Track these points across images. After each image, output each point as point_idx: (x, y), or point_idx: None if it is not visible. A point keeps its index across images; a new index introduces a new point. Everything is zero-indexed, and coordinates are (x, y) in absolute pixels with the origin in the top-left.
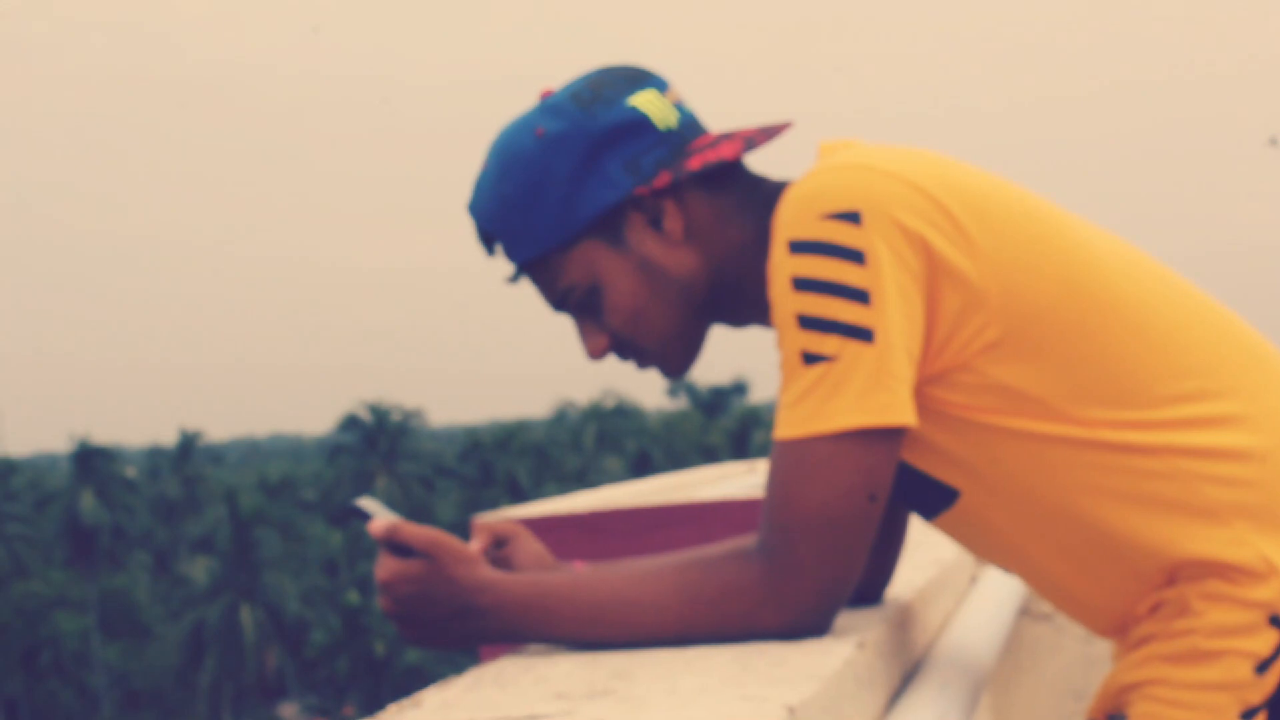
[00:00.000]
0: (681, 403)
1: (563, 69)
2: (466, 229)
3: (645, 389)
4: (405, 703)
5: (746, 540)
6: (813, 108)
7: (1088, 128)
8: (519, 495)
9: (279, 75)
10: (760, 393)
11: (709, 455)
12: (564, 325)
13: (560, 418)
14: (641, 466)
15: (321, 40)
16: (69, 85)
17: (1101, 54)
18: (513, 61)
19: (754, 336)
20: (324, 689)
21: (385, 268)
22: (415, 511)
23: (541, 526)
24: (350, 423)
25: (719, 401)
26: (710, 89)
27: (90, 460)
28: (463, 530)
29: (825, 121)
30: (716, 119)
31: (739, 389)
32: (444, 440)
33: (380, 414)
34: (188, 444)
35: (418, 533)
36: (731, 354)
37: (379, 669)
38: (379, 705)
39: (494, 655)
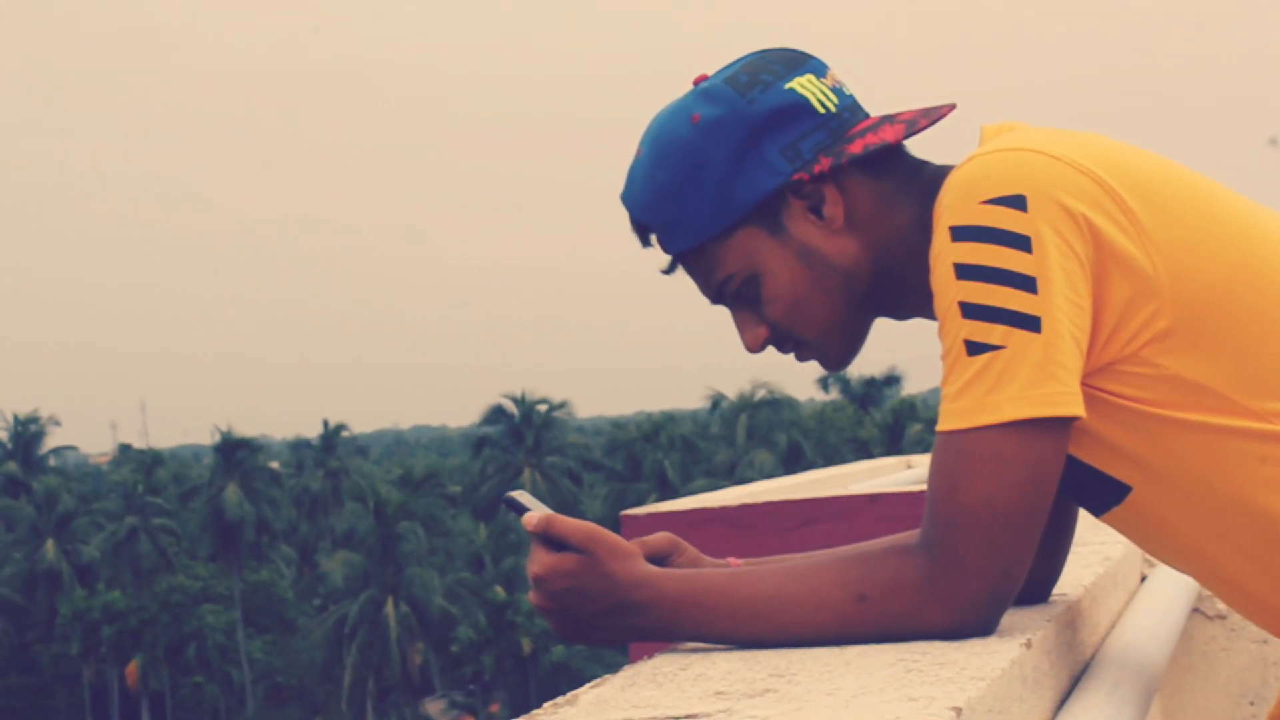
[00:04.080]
0: (833, 395)
1: (700, 61)
2: (614, 220)
3: (796, 380)
4: (560, 700)
5: (909, 536)
6: (964, 87)
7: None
8: (667, 489)
9: (418, 72)
10: (914, 385)
11: (861, 449)
12: (713, 315)
13: (708, 410)
14: (793, 460)
15: (453, 36)
16: (218, 91)
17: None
18: (658, 56)
19: (907, 326)
20: (469, 686)
21: (530, 261)
22: (562, 505)
23: (691, 521)
24: (495, 415)
25: (872, 393)
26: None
27: (234, 453)
28: (611, 525)
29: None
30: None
31: (893, 380)
32: (590, 433)
33: (526, 406)
34: (331, 436)
35: (573, 526)
36: (885, 345)
37: (525, 665)
38: (525, 702)
39: (643, 653)
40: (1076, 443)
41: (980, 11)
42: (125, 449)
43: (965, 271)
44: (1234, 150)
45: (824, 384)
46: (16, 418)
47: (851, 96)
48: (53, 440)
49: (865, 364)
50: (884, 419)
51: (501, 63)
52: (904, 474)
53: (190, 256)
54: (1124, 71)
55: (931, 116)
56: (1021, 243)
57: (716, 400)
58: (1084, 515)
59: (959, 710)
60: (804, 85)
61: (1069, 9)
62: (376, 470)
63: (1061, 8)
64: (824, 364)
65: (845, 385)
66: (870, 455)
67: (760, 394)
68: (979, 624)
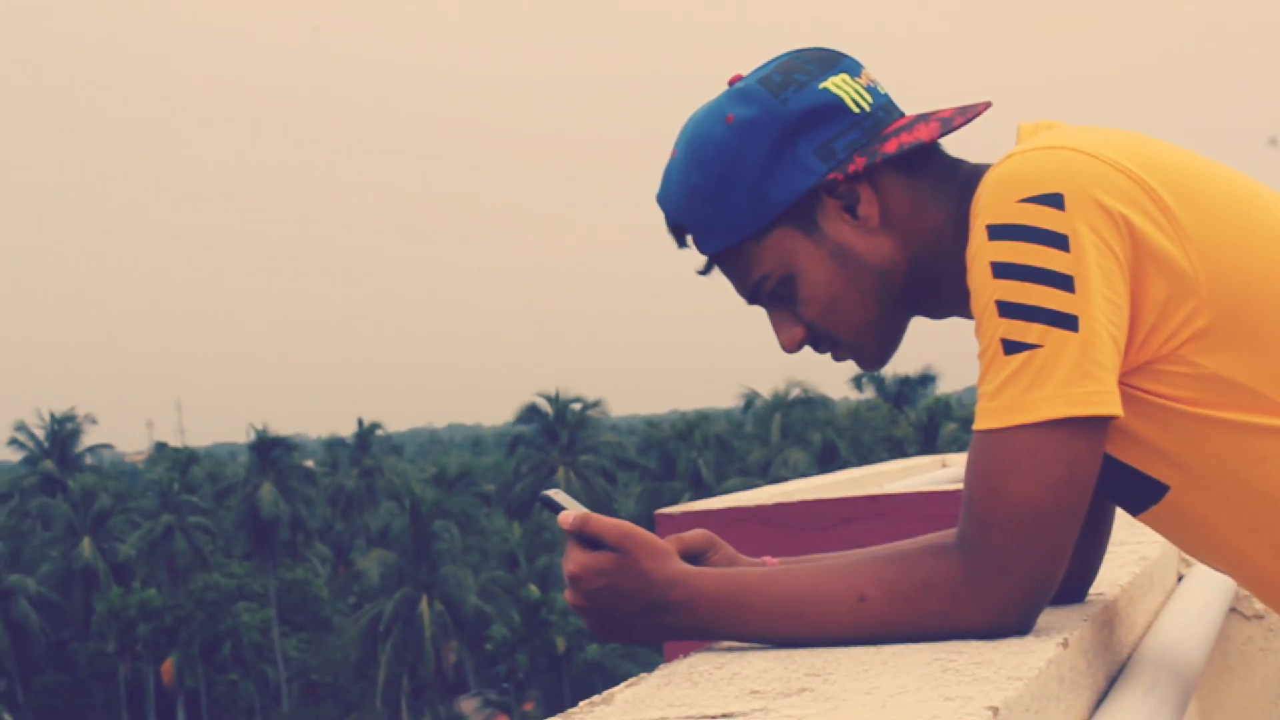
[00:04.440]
0: (868, 394)
1: (732, 57)
2: (649, 219)
3: (830, 379)
4: (597, 699)
5: (945, 535)
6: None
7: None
8: (701, 488)
9: (450, 76)
10: (949, 383)
11: (896, 448)
12: (747, 314)
13: (742, 409)
14: (827, 459)
15: (488, 39)
16: (254, 90)
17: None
18: (694, 58)
19: (942, 324)
20: (503, 684)
21: (566, 260)
22: (596, 504)
23: (726, 519)
24: (530, 413)
25: (906, 392)
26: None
27: (269, 451)
28: (645, 524)
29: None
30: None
31: (927, 379)
32: (624, 432)
33: (560, 405)
34: (366, 435)
35: (609, 525)
36: (920, 343)
37: (559, 664)
38: (559, 701)
39: (678, 652)
40: (1114, 442)
41: (1015, 8)
42: (161, 447)
43: (1002, 270)
44: (1234, 150)
45: (858, 383)
46: (53, 416)
47: (886, 95)
48: (89, 439)
49: (900, 363)
50: (919, 418)
51: (533, 63)
52: (939, 473)
53: (225, 255)
54: (1129, 71)
55: (967, 114)
56: (1059, 241)
57: (750, 399)
58: (1121, 514)
59: (996, 710)
60: (838, 85)
61: (1093, 8)
62: (411, 469)
63: (1088, 7)
64: (860, 363)
65: (880, 384)
66: (905, 454)
67: (795, 393)
68: (1016, 623)
